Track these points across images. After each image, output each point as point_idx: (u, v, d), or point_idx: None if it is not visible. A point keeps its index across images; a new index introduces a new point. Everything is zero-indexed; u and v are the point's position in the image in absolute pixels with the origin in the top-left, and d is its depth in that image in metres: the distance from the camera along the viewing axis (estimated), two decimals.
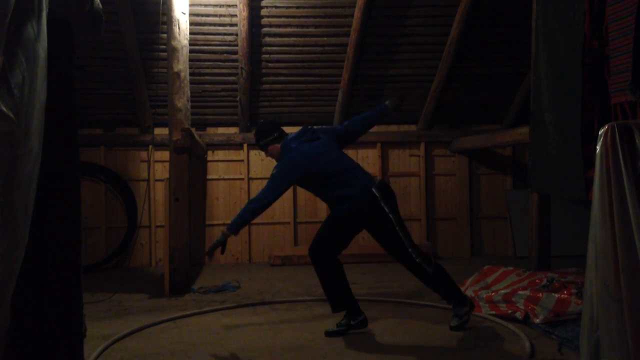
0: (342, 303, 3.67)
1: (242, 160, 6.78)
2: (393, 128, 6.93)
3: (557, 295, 3.66)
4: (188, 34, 5.15)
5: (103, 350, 3.30)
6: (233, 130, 6.81)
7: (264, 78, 6.40)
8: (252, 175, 6.77)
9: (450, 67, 6.28)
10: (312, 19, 5.99)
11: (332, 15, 5.97)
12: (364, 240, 6.51)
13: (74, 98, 1.90)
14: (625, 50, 3.27)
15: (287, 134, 3.74)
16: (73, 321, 1.88)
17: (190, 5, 5.30)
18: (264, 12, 5.89)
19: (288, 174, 3.54)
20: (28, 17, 1.42)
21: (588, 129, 3.73)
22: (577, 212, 6.30)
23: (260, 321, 4.04)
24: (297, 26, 6.03)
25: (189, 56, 5.20)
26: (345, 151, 3.81)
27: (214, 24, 5.94)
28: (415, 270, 3.58)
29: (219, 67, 6.28)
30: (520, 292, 3.88)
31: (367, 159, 6.86)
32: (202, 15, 5.83)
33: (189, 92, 5.14)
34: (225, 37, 6.02)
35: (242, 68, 6.12)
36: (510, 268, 4.54)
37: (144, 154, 6.64)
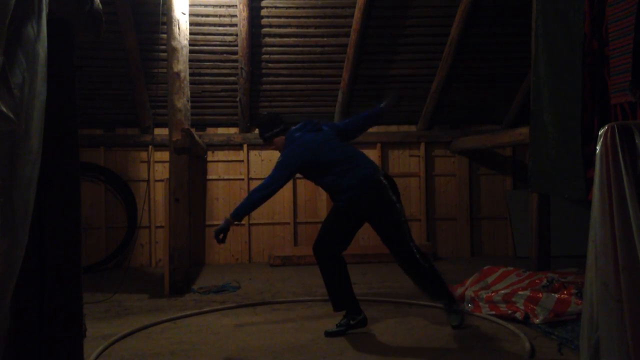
0: (344, 302, 3.67)
1: (242, 161, 6.78)
2: (393, 128, 6.94)
3: (557, 296, 3.66)
4: (188, 34, 5.15)
5: (103, 350, 3.31)
6: (233, 130, 6.81)
7: (264, 78, 6.40)
8: (252, 175, 6.77)
9: (450, 67, 6.28)
10: (312, 20, 5.99)
11: (332, 16, 5.97)
12: (364, 241, 6.52)
13: (74, 98, 1.90)
14: (625, 51, 3.27)
15: (290, 126, 3.79)
16: (73, 321, 1.88)
17: (190, 5, 5.30)
18: (264, 12, 5.89)
19: (292, 163, 3.59)
20: (28, 17, 1.42)
21: (588, 129, 3.73)
22: (577, 212, 6.30)
23: (260, 321, 4.04)
24: (297, 26, 6.03)
25: (189, 56, 5.20)
26: None
27: (214, 24, 5.94)
28: (412, 265, 3.57)
29: (218, 67, 6.28)
30: (520, 293, 3.87)
31: None
32: (202, 15, 5.83)
33: (188, 92, 5.15)
34: (225, 37, 6.03)
35: (242, 68, 6.12)
36: (510, 268, 4.53)
37: (144, 155, 6.64)
